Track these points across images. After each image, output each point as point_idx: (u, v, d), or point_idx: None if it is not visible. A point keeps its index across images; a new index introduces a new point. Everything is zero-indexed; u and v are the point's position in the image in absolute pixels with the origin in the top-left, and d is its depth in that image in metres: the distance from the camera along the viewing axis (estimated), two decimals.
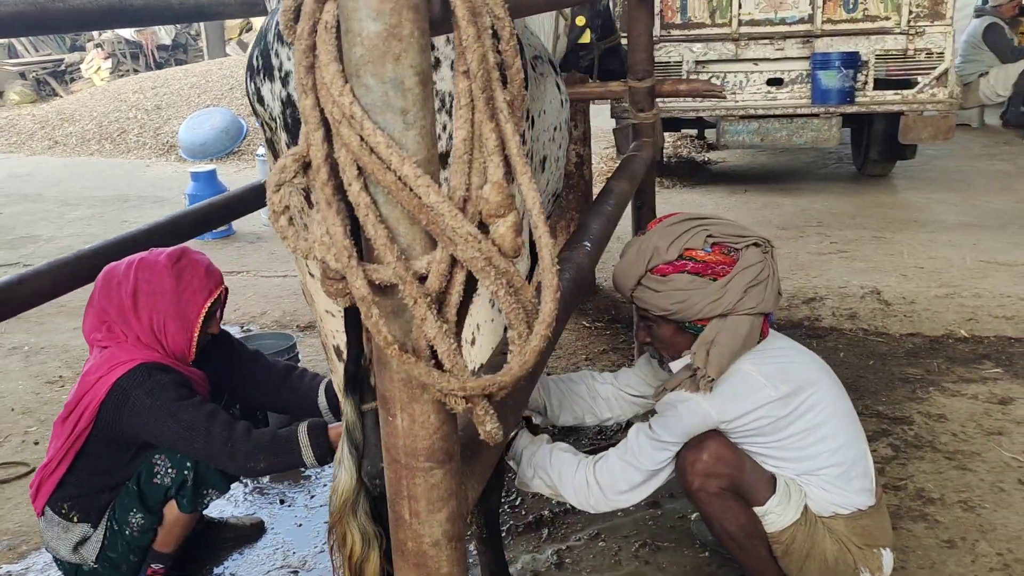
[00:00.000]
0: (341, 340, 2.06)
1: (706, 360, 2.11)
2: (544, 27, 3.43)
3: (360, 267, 1.00)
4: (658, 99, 3.64)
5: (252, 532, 2.95)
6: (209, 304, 2.45)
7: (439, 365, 1.04)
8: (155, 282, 2.38)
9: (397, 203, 1.00)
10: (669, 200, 7.66)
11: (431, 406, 1.09)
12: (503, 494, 3.02)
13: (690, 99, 6.65)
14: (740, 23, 6.49)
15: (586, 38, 3.56)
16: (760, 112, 6.51)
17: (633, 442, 2.23)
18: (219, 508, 3.09)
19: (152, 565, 2.50)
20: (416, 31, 0.97)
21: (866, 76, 6.45)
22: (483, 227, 1.04)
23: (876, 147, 7.41)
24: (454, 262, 1.02)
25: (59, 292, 2.37)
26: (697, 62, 6.59)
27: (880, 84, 6.51)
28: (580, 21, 3.60)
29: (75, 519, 2.44)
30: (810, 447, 2.19)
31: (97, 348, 2.43)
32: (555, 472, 2.27)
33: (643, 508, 2.95)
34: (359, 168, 0.99)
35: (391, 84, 0.97)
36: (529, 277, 1.09)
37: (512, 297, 1.04)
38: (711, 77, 6.60)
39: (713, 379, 2.10)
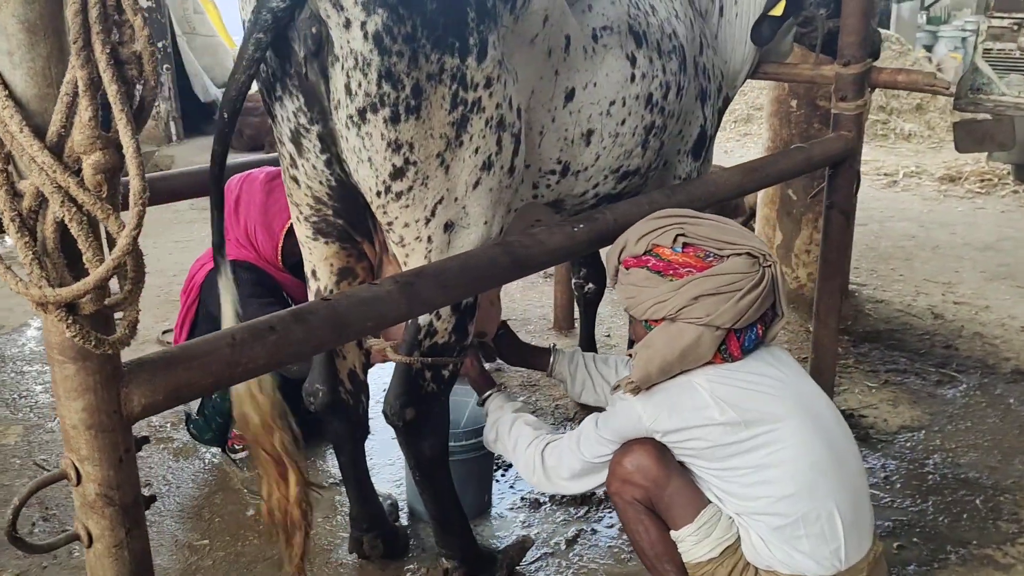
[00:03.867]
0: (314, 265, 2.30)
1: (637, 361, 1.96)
2: None
3: None
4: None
5: None
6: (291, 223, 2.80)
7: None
8: (251, 193, 2.79)
9: None
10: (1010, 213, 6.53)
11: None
12: None
13: None
14: None
15: (778, 11, 3.15)
16: None
17: (582, 431, 2.16)
18: None
19: (235, 430, 2.98)
20: None
21: None
22: None
23: None
24: None
25: (197, 195, 2.86)
26: None
27: None
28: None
29: None
30: (751, 487, 1.94)
31: None
32: (511, 442, 2.28)
33: None
34: None
35: None
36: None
37: (80, 226, 1.19)
38: None
39: (633, 382, 1.94)
